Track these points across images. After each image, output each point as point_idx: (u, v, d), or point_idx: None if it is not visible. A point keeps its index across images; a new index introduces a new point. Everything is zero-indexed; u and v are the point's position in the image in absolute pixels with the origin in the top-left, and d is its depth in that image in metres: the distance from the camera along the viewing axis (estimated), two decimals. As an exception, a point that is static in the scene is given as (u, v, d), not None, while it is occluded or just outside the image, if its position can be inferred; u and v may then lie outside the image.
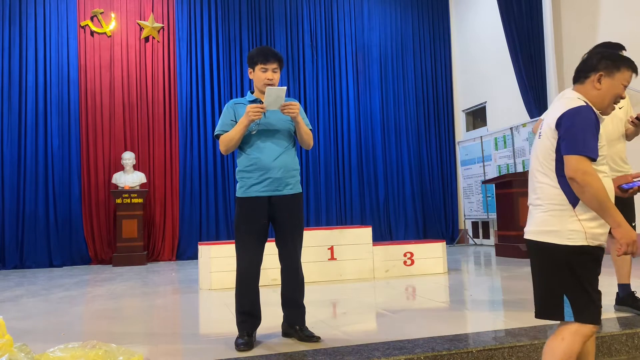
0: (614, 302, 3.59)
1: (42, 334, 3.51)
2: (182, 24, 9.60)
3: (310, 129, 3.25)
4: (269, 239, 3.24)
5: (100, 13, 9.24)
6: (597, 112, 2.09)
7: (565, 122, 2.01)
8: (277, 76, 3.14)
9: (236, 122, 3.08)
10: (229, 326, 3.42)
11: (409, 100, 10.74)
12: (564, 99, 2.11)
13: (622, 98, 2.11)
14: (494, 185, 8.36)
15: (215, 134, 3.15)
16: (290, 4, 10.25)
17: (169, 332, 3.51)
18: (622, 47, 3.45)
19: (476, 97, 10.44)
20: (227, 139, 3.05)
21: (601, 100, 2.09)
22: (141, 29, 9.42)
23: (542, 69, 8.18)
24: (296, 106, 3.02)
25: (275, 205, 3.09)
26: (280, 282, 3.25)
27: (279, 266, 3.24)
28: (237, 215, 3.11)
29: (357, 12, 10.62)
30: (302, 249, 3.34)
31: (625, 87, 2.10)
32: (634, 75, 2.12)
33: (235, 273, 3.13)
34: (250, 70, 3.18)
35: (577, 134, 1.97)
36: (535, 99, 8.24)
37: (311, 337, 3.03)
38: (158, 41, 9.48)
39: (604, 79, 2.07)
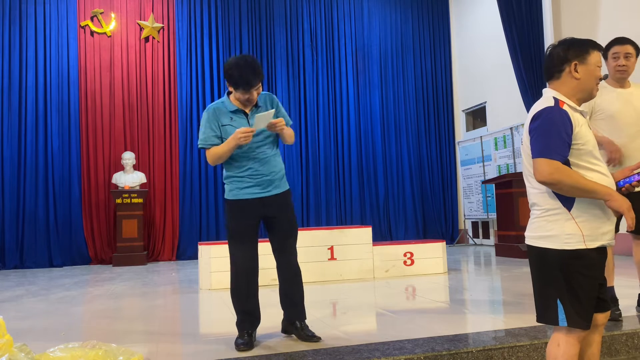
0: (635, 304, 3.58)
1: (42, 334, 3.51)
2: (182, 24, 9.60)
3: (291, 123, 3.27)
4: (262, 239, 3.27)
5: (100, 13, 9.24)
6: (575, 106, 2.08)
7: (530, 126, 2.05)
8: (259, 90, 3.10)
9: (220, 135, 3.07)
10: (229, 326, 3.42)
11: (409, 100, 10.74)
12: (541, 99, 2.13)
13: (601, 79, 2.12)
14: (493, 185, 8.36)
15: (200, 146, 3.12)
16: (290, 4, 10.25)
17: (169, 332, 3.51)
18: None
19: (476, 97, 10.44)
20: (217, 156, 3.05)
21: (584, 87, 2.09)
22: (141, 29, 9.42)
23: (542, 69, 8.17)
24: (282, 123, 3.04)
25: (267, 206, 3.12)
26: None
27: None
28: (229, 218, 3.13)
29: (357, 12, 10.62)
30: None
31: (599, 67, 2.10)
32: (601, 54, 2.13)
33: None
34: (229, 85, 3.09)
35: (539, 137, 1.99)
36: (535, 99, 8.23)
37: (312, 337, 3.03)
38: (158, 41, 9.48)
39: (580, 67, 2.08)
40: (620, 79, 3.39)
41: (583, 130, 2.02)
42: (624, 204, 1.93)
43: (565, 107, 2.03)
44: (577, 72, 2.08)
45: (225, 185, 3.18)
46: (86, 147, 9.02)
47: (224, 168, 3.18)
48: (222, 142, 3.08)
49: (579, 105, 2.12)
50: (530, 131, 2.05)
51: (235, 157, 3.10)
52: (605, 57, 3.39)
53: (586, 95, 2.12)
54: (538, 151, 1.98)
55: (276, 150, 3.21)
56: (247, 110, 3.14)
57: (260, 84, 3.11)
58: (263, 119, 2.96)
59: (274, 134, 3.17)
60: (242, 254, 3.09)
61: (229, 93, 3.19)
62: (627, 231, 3.36)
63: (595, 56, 2.08)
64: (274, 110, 3.00)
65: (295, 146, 9.98)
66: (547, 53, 2.17)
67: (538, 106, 2.08)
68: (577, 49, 2.09)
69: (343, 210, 10.16)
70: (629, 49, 3.36)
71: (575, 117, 2.02)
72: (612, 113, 3.31)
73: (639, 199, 3.27)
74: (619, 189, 2.17)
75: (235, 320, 3.10)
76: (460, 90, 10.99)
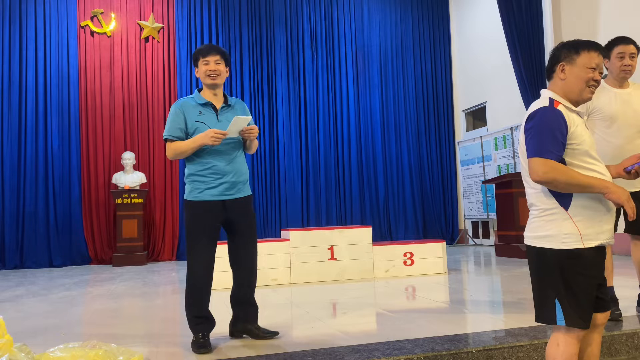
0: (635, 304, 3.59)
1: (42, 334, 3.51)
2: (182, 24, 9.60)
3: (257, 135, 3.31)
4: (220, 241, 3.25)
5: (100, 13, 9.24)
6: (571, 107, 2.07)
7: (526, 126, 2.07)
8: (221, 67, 3.12)
9: (185, 128, 3.05)
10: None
11: (409, 100, 10.75)
12: (537, 100, 2.13)
13: (597, 80, 2.06)
14: (493, 185, 8.36)
15: (164, 137, 3.10)
16: (290, 4, 10.25)
17: (169, 332, 3.51)
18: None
19: (476, 97, 10.44)
20: (179, 151, 3.03)
21: (571, 89, 2.07)
22: (141, 29, 9.43)
23: (542, 68, 8.18)
24: (256, 131, 3.09)
25: (229, 209, 3.08)
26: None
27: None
28: (189, 219, 3.07)
29: (357, 12, 10.62)
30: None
31: (595, 69, 2.04)
32: (601, 57, 2.07)
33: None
34: (196, 69, 3.18)
35: (534, 137, 2.00)
36: (535, 99, 8.23)
37: (270, 333, 3.11)
38: (158, 41, 9.48)
39: (566, 68, 2.07)
40: (623, 78, 3.37)
41: (579, 130, 2.01)
42: (622, 195, 1.92)
43: (560, 107, 2.03)
44: (563, 72, 2.08)
45: (186, 185, 3.12)
46: (86, 147, 9.02)
47: (186, 165, 3.13)
48: (187, 136, 3.07)
49: (576, 106, 2.11)
50: (526, 131, 2.06)
51: (199, 153, 3.05)
52: (608, 57, 3.38)
53: (575, 97, 2.08)
54: (533, 151, 1.99)
55: (241, 153, 3.18)
56: (217, 106, 3.14)
57: (224, 64, 3.14)
58: (239, 123, 2.97)
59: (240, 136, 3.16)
60: (202, 259, 3.02)
61: (200, 89, 3.20)
62: (624, 231, 3.38)
63: (584, 57, 2.04)
64: (250, 117, 3.01)
65: (295, 146, 9.99)
66: (552, 52, 2.17)
67: (534, 107, 2.09)
68: (567, 49, 2.08)
69: (343, 210, 10.16)
70: (633, 48, 3.35)
71: (570, 117, 2.02)
72: (610, 114, 3.29)
73: (636, 200, 3.27)
74: (628, 173, 2.18)
75: (189, 324, 3.05)
76: (460, 90, 10.99)
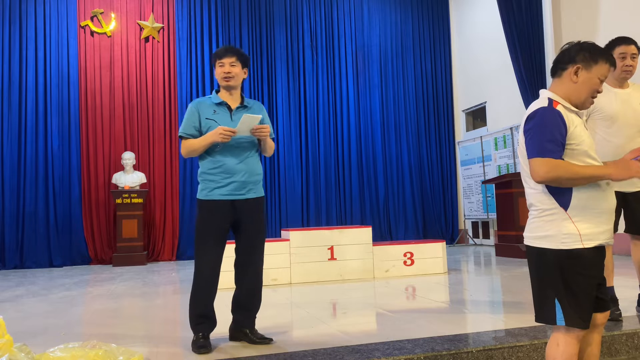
0: (635, 304, 3.59)
1: (42, 334, 3.51)
2: (182, 24, 9.60)
3: (273, 136, 3.27)
4: (228, 241, 3.21)
5: (100, 13, 9.24)
6: (571, 107, 2.06)
7: (525, 127, 2.06)
8: (236, 69, 3.14)
9: (199, 126, 3.08)
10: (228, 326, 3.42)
11: (409, 100, 10.75)
12: (536, 100, 2.13)
13: (599, 92, 2.07)
14: (493, 185, 8.36)
15: (179, 134, 3.13)
16: (290, 4, 10.25)
17: (169, 332, 3.51)
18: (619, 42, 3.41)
19: (476, 97, 10.44)
20: (191, 149, 3.06)
21: (578, 94, 2.06)
22: (141, 29, 9.43)
23: (542, 68, 8.18)
24: (267, 129, 3.06)
25: (238, 210, 3.05)
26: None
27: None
28: (198, 218, 3.06)
29: (357, 12, 10.63)
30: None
31: (602, 81, 2.05)
32: (611, 69, 2.07)
33: (205, 273, 3.05)
34: (215, 71, 3.21)
35: (533, 138, 1.99)
36: (535, 99, 8.22)
37: (263, 339, 3.03)
38: (158, 41, 9.48)
39: (581, 72, 2.05)
40: (624, 79, 3.38)
41: (578, 131, 2.01)
42: (630, 170, 1.94)
43: (559, 108, 2.03)
44: (576, 75, 2.06)
45: (199, 184, 3.12)
46: (86, 147, 9.02)
47: (199, 164, 3.14)
48: (200, 134, 3.09)
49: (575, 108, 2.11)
50: (525, 132, 2.06)
51: (210, 151, 3.06)
52: None
53: (577, 102, 2.08)
54: (533, 151, 1.99)
55: (255, 153, 3.16)
56: (232, 106, 3.15)
57: (241, 66, 3.16)
58: (248, 121, 2.97)
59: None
60: (209, 259, 3.00)
61: (217, 90, 3.23)
62: (624, 231, 3.38)
63: (601, 68, 2.04)
64: (260, 116, 3.01)
65: (295, 146, 9.99)
66: (565, 46, 2.14)
67: (532, 107, 2.09)
68: (587, 53, 2.05)
69: (343, 210, 10.16)
70: (634, 49, 3.37)
71: (569, 117, 2.02)
72: (611, 113, 3.31)
73: (637, 201, 3.27)
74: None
75: (190, 323, 3.03)
76: (460, 90, 10.99)
